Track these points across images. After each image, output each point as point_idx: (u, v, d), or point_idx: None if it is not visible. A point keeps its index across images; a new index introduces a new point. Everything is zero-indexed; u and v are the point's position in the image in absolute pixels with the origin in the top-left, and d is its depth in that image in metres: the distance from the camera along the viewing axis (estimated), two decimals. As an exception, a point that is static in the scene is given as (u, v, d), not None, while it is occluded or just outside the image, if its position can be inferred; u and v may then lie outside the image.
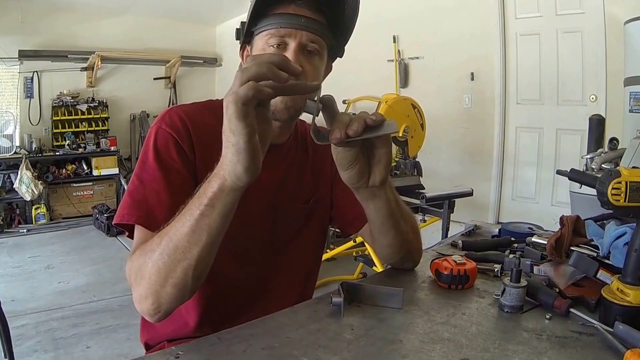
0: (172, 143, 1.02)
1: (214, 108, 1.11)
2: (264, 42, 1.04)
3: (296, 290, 1.22)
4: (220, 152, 0.84)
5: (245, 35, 1.09)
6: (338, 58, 1.19)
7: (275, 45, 1.03)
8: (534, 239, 1.34)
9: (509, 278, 1.00)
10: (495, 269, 1.22)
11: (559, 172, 1.16)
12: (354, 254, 3.94)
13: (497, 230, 1.60)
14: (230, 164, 0.79)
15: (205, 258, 0.85)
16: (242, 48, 1.14)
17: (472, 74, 4.46)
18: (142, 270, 0.87)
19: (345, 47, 1.18)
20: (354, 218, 1.21)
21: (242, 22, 1.09)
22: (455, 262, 1.13)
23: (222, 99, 1.02)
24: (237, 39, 1.12)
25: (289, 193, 1.18)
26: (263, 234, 1.14)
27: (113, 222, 0.98)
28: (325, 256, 3.05)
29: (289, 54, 1.02)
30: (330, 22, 1.08)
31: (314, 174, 1.24)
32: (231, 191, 0.82)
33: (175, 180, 0.99)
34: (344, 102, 5.36)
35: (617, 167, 0.93)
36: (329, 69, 1.16)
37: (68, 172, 6.18)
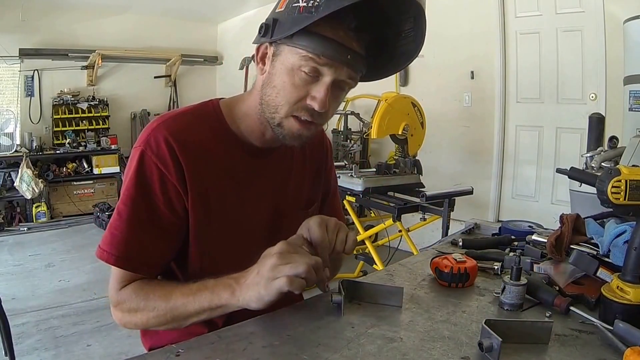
0: (156, 176, 0.97)
1: (206, 117, 1.06)
2: (296, 62, 0.93)
3: (297, 295, 1.22)
4: (216, 164, 0.99)
5: (273, 34, 0.95)
6: None
7: (307, 71, 0.93)
8: (534, 237, 1.34)
9: (509, 276, 1.01)
10: (496, 267, 1.22)
11: (558, 171, 1.16)
12: (355, 252, 3.94)
13: (497, 228, 1.60)
14: (248, 298, 0.89)
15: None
16: (262, 45, 1.00)
17: (472, 72, 4.46)
18: (141, 311, 0.97)
19: None
20: None
21: (274, 20, 0.95)
22: (456, 260, 1.13)
23: (213, 102, 1.10)
24: (262, 36, 0.97)
25: (290, 198, 1.16)
26: (265, 240, 1.09)
27: (95, 254, 0.99)
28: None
29: (321, 88, 0.94)
30: (374, 55, 0.98)
31: (313, 178, 1.23)
32: (237, 307, 0.92)
33: (154, 219, 0.99)
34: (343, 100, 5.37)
35: (617, 166, 0.93)
36: None
37: (68, 170, 6.18)
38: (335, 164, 4.11)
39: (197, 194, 1.01)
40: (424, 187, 3.49)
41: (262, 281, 0.87)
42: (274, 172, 1.13)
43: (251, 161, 1.09)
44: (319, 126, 1.02)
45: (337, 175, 3.43)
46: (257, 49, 1.00)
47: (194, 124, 1.04)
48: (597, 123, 2.15)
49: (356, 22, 0.91)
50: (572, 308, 0.98)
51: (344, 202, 3.63)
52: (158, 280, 1.04)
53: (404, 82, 5.00)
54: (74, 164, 6.25)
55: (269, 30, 0.95)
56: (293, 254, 0.88)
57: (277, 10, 0.96)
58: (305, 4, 0.88)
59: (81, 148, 6.26)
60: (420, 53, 1.02)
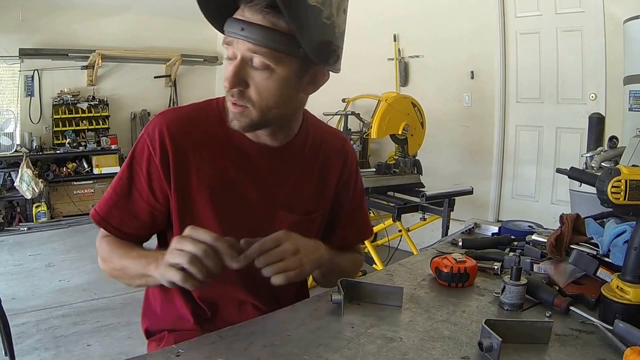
0: (145, 155, 1.07)
1: (208, 114, 1.10)
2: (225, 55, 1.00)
3: (291, 289, 1.22)
4: (206, 160, 1.05)
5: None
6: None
7: (227, 55, 0.97)
8: (534, 237, 1.34)
9: (509, 276, 1.01)
10: (495, 267, 1.23)
11: (558, 171, 1.16)
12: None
13: (497, 228, 1.60)
14: (159, 276, 0.93)
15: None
16: None
17: (472, 72, 4.46)
18: (107, 262, 1.10)
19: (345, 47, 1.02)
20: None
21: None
22: (456, 260, 1.13)
23: (219, 100, 1.11)
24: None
25: (285, 200, 1.13)
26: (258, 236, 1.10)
27: (90, 213, 1.13)
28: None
29: (228, 66, 0.95)
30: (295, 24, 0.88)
31: (319, 187, 1.19)
32: (160, 282, 0.95)
33: (135, 192, 1.09)
34: (343, 100, 5.36)
35: (617, 166, 0.93)
36: (316, 78, 1.02)
37: (69, 170, 6.17)
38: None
39: (179, 187, 1.06)
40: (423, 187, 3.49)
41: (162, 264, 0.91)
42: (272, 172, 1.12)
43: (244, 160, 1.09)
44: (249, 110, 0.97)
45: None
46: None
47: (194, 119, 1.09)
48: (597, 123, 2.15)
49: None
50: (572, 308, 0.98)
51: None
52: (127, 243, 1.11)
53: (404, 82, 5.00)
54: (74, 164, 6.24)
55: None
56: (187, 240, 0.89)
57: None
58: None
59: (81, 148, 6.24)
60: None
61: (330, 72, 1.04)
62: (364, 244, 3.57)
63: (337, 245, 1.21)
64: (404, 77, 4.99)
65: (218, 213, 1.08)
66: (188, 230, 0.91)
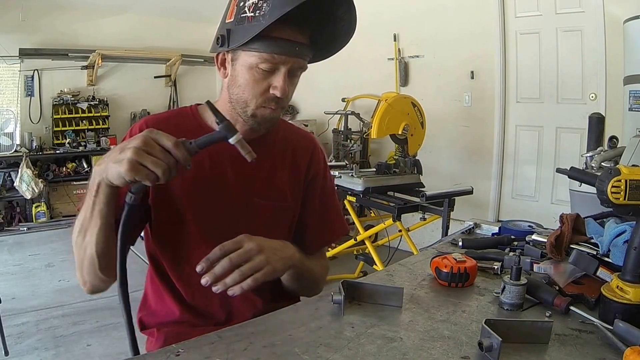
0: None
1: (185, 116, 1.20)
2: (254, 62, 1.05)
3: (266, 293, 1.23)
4: None
5: (230, 43, 1.08)
6: (335, 55, 1.18)
7: (264, 68, 1.06)
8: (533, 237, 1.34)
9: (509, 276, 1.01)
10: (495, 267, 1.22)
11: (558, 171, 1.16)
12: (355, 252, 3.94)
13: (497, 228, 1.60)
14: (101, 170, 0.91)
15: (103, 238, 0.98)
16: (220, 53, 1.13)
17: (472, 72, 4.46)
18: (74, 249, 1.05)
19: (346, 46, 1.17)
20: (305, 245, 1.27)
21: (228, 30, 1.07)
22: (455, 260, 1.13)
23: (192, 106, 1.21)
24: (220, 46, 1.10)
25: (259, 190, 1.20)
26: (238, 226, 1.13)
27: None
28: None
29: (279, 78, 1.06)
30: (317, 40, 1.10)
31: (291, 179, 1.26)
32: (106, 187, 0.93)
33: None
34: (343, 100, 5.36)
35: (617, 166, 0.93)
36: None
37: (68, 170, 6.17)
38: (336, 163, 4.12)
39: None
40: (423, 187, 3.49)
41: (110, 158, 0.89)
42: (245, 164, 1.09)
43: (218, 152, 1.13)
44: (284, 109, 1.15)
45: (338, 175, 3.47)
46: (216, 57, 1.15)
47: (171, 120, 1.19)
48: (597, 123, 2.16)
49: (298, 18, 1.01)
50: (572, 308, 0.98)
51: (344, 201, 3.63)
52: None
53: (404, 82, 5.00)
54: (73, 163, 6.24)
55: (225, 40, 1.08)
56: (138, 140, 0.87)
57: (227, 22, 1.08)
58: (252, 14, 1.01)
59: (81, 148, 6.25)
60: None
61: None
62: (364, 243, 3.58)
63: (309, 246, 1.28)
64: (404, 77, 4.99)
65: (193, 203, 1.14)
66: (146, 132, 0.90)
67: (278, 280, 1.23)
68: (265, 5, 1.00)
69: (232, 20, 1.07)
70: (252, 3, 1.02)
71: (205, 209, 1.14)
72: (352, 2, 1.08)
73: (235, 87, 1.11)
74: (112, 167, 0.87)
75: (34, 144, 6.00)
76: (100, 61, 6.30)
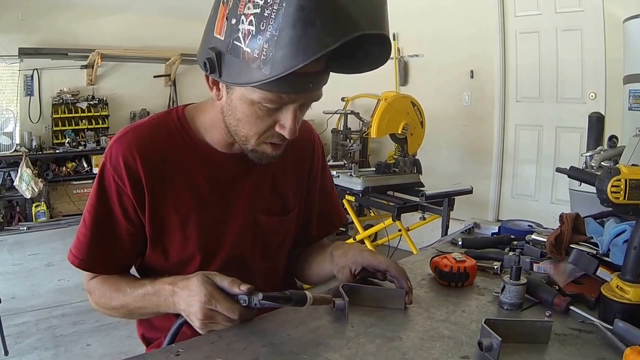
0: (114, 188, 1.01)
1: (170, 127, 1.05)
2: (255, 98, 0.87)
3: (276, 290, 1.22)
4: (179, 176, 1.02)
5: (221, 74, 0.87)
6: None
7: (270, 106, 0.88)
8: (533, 236, 1.34)
9: (509, 275, 1.01)
10: (495, 267, 1.22)
11: (558, 170, 1.16)
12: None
13: (497, 228, 1.60)
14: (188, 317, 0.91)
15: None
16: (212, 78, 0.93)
17: (471, 71, 4.46)
18: (103, 306, 1.08)
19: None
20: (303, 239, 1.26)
21: (218, 53, 0.85)
22: (455, 259, 1.13)
23: (178, 109, 1.08)
24: (209, 73, 0.88)
25: (263, 204, 1.12)
26: (236, 247, 1.11)
27: (67, 258, 1.08)
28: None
29: (288, 116, 0.90)
30: (335, 66, 0.93)
31: (293, 183, 1.19)
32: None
33: (113, 227, 1.04)
34: (342, 99, 5.36)
35: (617, 165, 0.93)
36: None
37: (68, 169, 6.17)
38: (335, 163, 4.12)
39: (155, 207, 1.03)
40: (423, 186, 3.49)
41: (195, 318, 0.89)
42: (246, 180, 1.10)
43: (218, 170, 1.07)
44: (289, 141, 0.98)
45: (337, 175, 3.46)
46: (208, 81, 0.94)
47: (156, 135, 1.03)
48: (596, 122, 2.16)
49: None
50: (571, 307, 0.98)
51: (344, 201, 3.63)
52: (118, 277, 1.09)
53: (404, 81, 5.00)
54: (73, 163, 6.24)
55: (215, 68, 0.86)
56: (217, 310, 0.87)
57: (215, 36, 0.87)
58: (249, 50, 0.79)
59: (81, 147, 6.24)
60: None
61: None
62: (364, 243, 3.58)
63: (312, 238, 1.26)
64: (404, 76, 4.99)
65: (197, 231, 1.06)
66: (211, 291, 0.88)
67: (281, 281, 1.24)
68: (267, 46, 0.76)
69: (221, 38, 0.85)
70: (248, 31, 0.78)
71: (209, 234, 1.07)
72: (388, 39, 0.86)
73: (233, 119, 0.95)
74: (189, 318, 0.91)
75: (34, 143, 5.99)
76: (99, 60, 6.29)
